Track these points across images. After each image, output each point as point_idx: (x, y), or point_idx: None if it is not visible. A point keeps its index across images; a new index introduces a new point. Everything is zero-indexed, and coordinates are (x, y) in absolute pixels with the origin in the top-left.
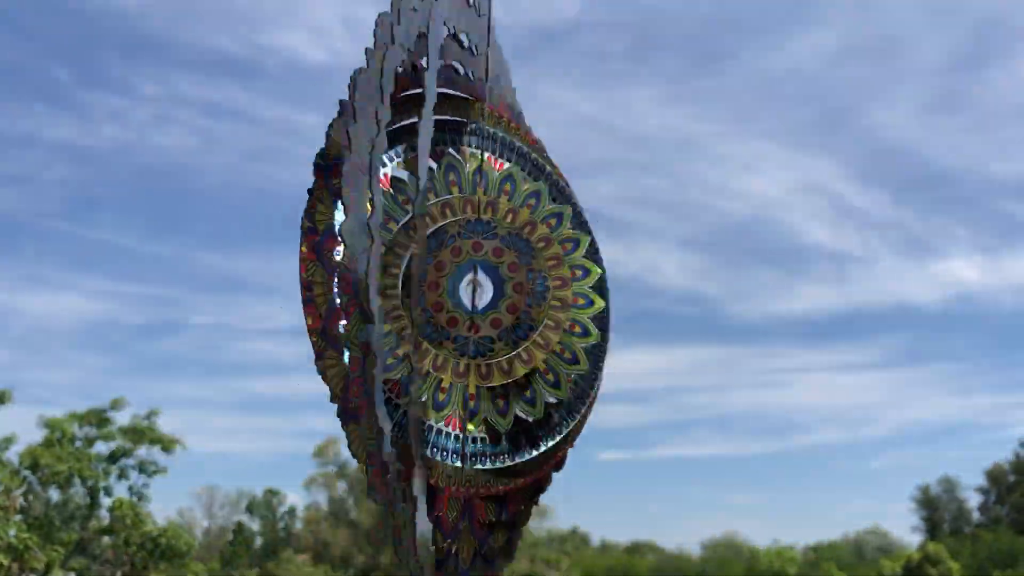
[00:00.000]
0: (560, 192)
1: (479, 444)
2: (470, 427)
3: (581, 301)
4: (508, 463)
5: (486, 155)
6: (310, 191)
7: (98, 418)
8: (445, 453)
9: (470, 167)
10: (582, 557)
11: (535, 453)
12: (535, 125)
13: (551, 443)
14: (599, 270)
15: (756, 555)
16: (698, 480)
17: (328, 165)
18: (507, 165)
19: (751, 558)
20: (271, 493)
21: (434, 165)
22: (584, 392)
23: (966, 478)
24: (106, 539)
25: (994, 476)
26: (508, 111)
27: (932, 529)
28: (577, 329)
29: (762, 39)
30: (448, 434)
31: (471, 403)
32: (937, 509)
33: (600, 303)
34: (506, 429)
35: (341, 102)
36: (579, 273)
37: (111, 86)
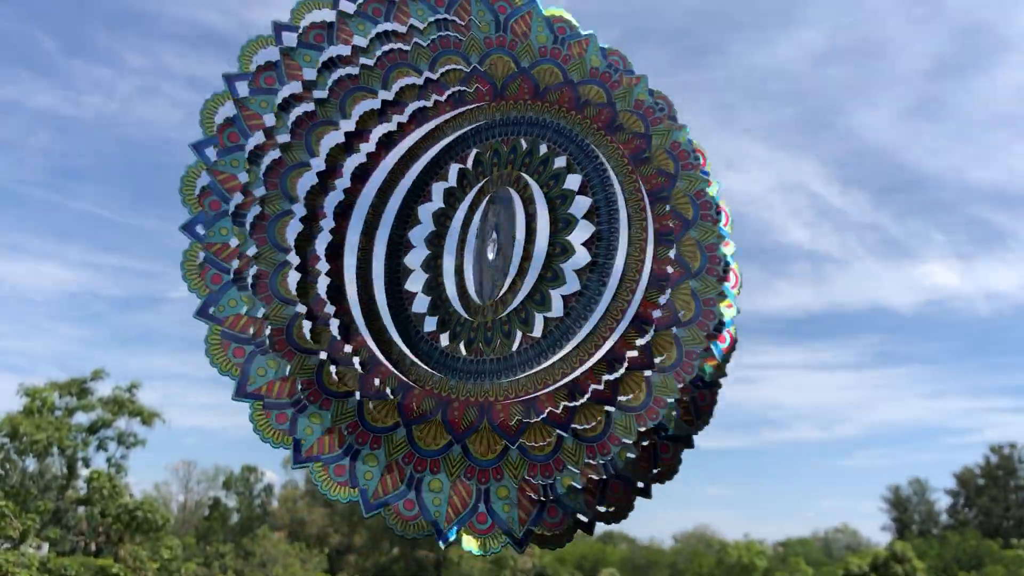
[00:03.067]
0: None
1: (495, 363)
2: (487, 354)
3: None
4: (518, 374)
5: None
6: None
7: (78, 388)
8: (462, 374)
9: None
10: None
11: (544, 361)
12: None
13: (565, 348)
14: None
15: (726, 548)
16: None
17: None
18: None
19: (721, 551)
20: (248, 470)
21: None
22: (581, 315)
23: (935, 480)
24: (82, 510)
25: (963, 479)
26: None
27: (901, 529)
28: (549, 274)
29: (749, 36)
30: (461, 358)
31: (487, 333)
32: (907, 510)
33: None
34: (515, 348)
35: None
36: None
37: (97, 56)
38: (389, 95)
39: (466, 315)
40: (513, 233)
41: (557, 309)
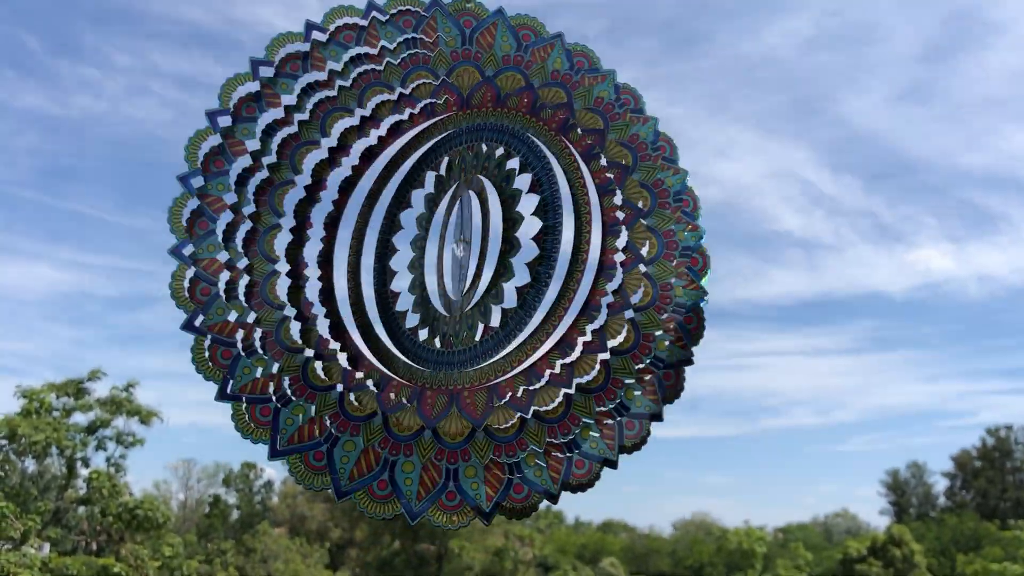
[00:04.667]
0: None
1: (462, 352)
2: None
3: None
4: (482, 362)
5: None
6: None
7: (76, 388)
8: (434, 364)
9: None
10: (556, 534)
11: (502, 353)
12: None
13: (511, 346)
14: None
15: (726, 535)
16: (670, 461)
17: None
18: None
19: (721, 538)
20: (248, 467)
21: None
22: (532, 305)
23: (932, 463)
24: (82, 509)
25: (961, 462)
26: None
27: (899, 513)
28: (501, 269)
29: (737, 24)
30: (436, 351)
31: (456, 326)
32: (904, 493)
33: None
34: (480, 339)
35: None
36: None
37: (83, 56)
38: (366, 112)
39: (444, 311)
40: (482, 231)
41: (511, 301)
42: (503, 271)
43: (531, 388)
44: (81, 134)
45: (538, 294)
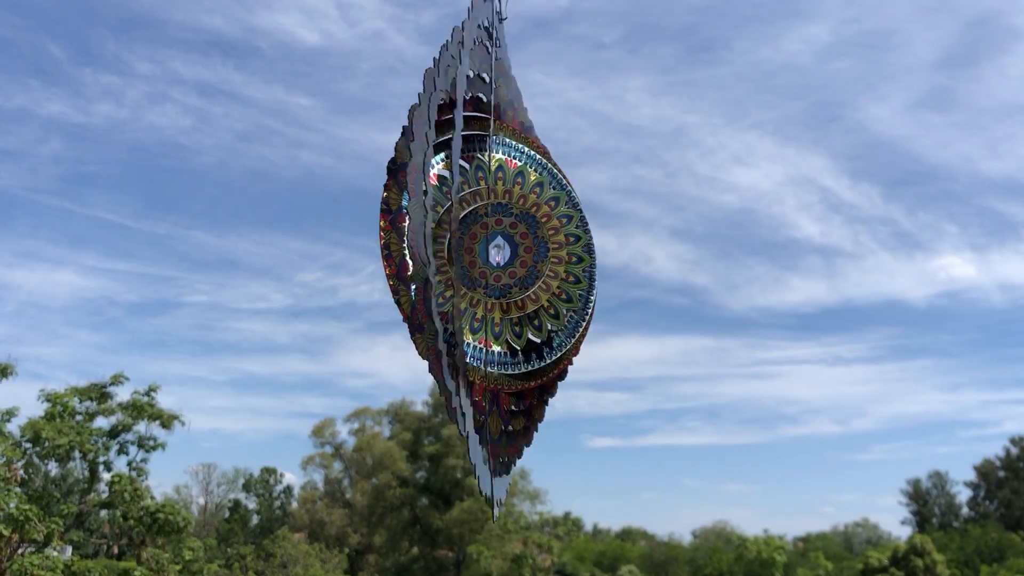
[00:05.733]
0: (557, 182)
1: (503, 356)
2: (495, 346)
3: (574, 259)
4: (522, 370)
5: (504, 157)
6: (385, 185)
7: (99, 393)
8: (478, 361)
9: (493, 165)
10: (574, 542)
11: (541, 364)
12: (529, 111)
13: (552, 357)
14: (586, 236)
15: (745, 543)
16: (689, 469)
17: (395, 168)
18: (518, 164)
19: (741, 546)
20: (268, 472)
21: (467, 165)
22: (577, 322)
23: (955, 473)
24: (104, 513)
25: (984, 472)
26: (520, 126)
27: (921, 523)
28: (571, 278)
29: (756, 31)
30: (480, 349)
31: (496, 328)
32: (927, 503)
33: (587, 259)
34: (521, 347)
35: (404, 127)
36: (572, 239)
37: (105, 64)
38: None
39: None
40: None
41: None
42: (567, 298)
43: (514, 409)
44: (103, 141)
45: (575, 326)
